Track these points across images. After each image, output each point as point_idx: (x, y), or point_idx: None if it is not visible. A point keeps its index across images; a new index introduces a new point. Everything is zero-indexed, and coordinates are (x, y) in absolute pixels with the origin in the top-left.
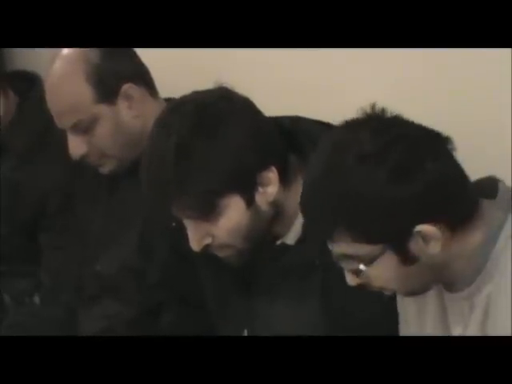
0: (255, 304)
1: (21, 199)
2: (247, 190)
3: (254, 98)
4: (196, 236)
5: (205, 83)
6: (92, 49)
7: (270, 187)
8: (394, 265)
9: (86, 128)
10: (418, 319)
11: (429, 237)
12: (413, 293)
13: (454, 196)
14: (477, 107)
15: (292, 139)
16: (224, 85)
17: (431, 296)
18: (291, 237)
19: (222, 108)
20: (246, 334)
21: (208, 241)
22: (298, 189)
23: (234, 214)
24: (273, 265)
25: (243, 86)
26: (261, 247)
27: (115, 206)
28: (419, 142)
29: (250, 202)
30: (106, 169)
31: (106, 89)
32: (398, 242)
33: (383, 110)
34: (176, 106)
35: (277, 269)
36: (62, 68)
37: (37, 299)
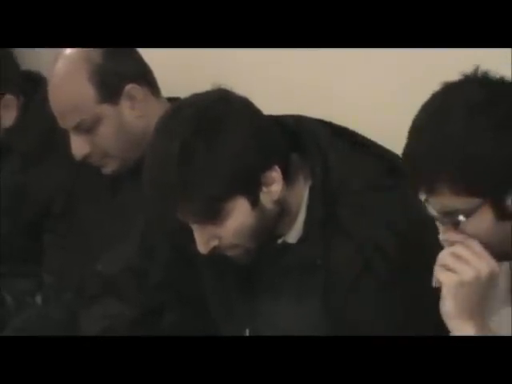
0: (257, 303)
1: (25, 200)
2: (252, 190)
3: (254, 98)
4: (203, 239)
5: (206, 83)
6: (95, 49)
7: (274, 186)
8: (490, 219)
9: (88, 128)
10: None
11: None
12: (502, 254)
13: None
14: None
15: (294, 138)
16: (223, 86)
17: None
18: (293, 236)
19: (222, 110)
20: (247, 333)
21: (215, 243)
22: (300, 187)
23: (239, 216)
24: (274, 264)
25: (243, 85)
26: (264, 246)
27: (118, 205)
28: None
29: (255, 202)
30: (108, 169)
31: (109, 89)
32: (496, 196)
33: (487, 72)
34: (176, 111)
35: (278, 268)
36: (64, 68)
37: (39, 299)
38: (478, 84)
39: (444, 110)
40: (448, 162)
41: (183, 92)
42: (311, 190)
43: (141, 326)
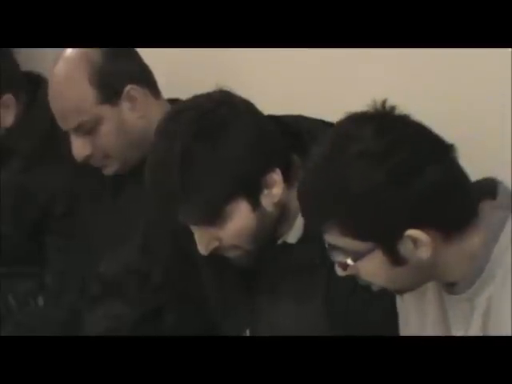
0: (257, 304)
1: (27, 201)
2: (253, 193)
3: (254, 98)
4: (204, 241)
5: (206, 83)
6: (95, 50)
7: (274, 188)
8: (382, 264)
9: (89, 129)
10: (418, 321)
11: (419, 242)
12: (401, 291)
13: (451, 203)
14: (476, 107)
15: (294, 139)
16: (224, 88)
17: (431, 298)
18: (293, 236)
19: (223, 114)
20: (247, 333)
21: (215, 244)
22: None
23: (240, 218)
24: (274, 264)
25: (244, 85)
26: (264, 246)
27: (119, 206)
28: (422, 147)
29: (255, 204)
30: (109, 170)
31: (109, 90)
32: (387, 242)
33: (393, 108)
34: (177, 114)
35: (278, 268)
36: (64, 69)
37: (41, 300)
38: (374, 128)
39: (336, 152)
40: (336, 205)
41: (185, 92)
42: None
43: (142, 327)
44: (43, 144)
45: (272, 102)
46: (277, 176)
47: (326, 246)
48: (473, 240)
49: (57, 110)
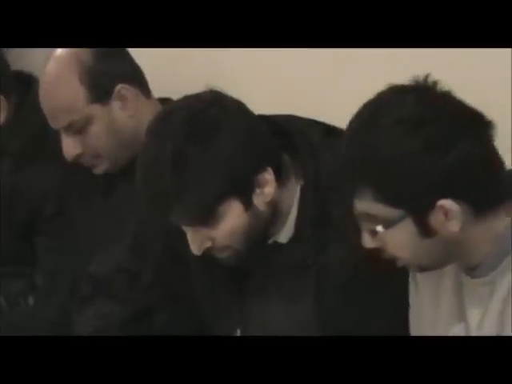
0: (248, 303)
1: (17, 201)
2: (245, 193)
3: (248, 98)
4: (196, 241)
5: (198, 83)
6: (85, 49)
7: (266, 188)
8: (411, 234)
9: (79, 128)
10: (432, 312)
11: (450, 213)
12: (425, 267)
13: (484, 179)
14: (476, 107)
15: (286, 138)
16: (215, 88)
17: (447, 286)
18: (284, 236)
19: (214, 114)
20: (238, 333)
21: (208, 244)
22: (291, 188)
23: (233, 218)
24: (265, 264)
25: (237, 85)
26: (255, 246)
27: (109, 206)
28: (460, 120)
29: (248, 204)
30: (99, 169)
31: (100, 89)
32: (418, 211)
33: (435, 83)
34: (168, 115)
35: (269, 268)
36: (55, 69)
37: (31, 300)
38: (415, 98)
39: (376, 117)
40: (372, 170)
41: (177, 92)
42: (303, 189)
43: (132, 326)
44: (34, 144)
45: (267, 101)
46: (269, 175)
47: (357, 214)
48: (501, 221)
49: (47, 109)
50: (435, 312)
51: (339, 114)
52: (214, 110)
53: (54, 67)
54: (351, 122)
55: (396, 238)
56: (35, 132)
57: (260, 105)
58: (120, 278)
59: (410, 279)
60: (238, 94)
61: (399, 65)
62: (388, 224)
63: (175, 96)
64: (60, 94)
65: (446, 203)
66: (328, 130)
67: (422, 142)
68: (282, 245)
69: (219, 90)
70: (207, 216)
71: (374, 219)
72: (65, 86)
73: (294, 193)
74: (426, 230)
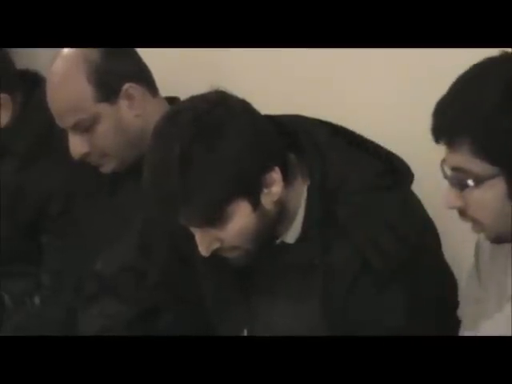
0: (255, 303)
1: (23, 200)
2: (253, 193)
3: (253, 98)
4: (205, 242)
5: (204, 82)
6: (93, 48)
7: (274, 187)
8: (499, 194)
9: (86, 127)
10: (496, 295)
11: None
12: (502, 237)
13: None
14: None
15: (292, 138)
16: (221, 88)
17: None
18: (291, 236)
19: (221, 114)
20: (245, 333)
21: (216, 245)
22: (298, 188)
23: (241, 219)
24: (272, 264)
25: (242, 85)
26: (263, 246)
27: (116, 205)
28: None
29: (256, 204)
30: (106, 168)
31: (107, 88)
32: None
33: None
34: (174, 116)
35: (276, 268)
36: (62, 67)
37: (37, 300)
38: None
39: (487, 74)
40: (475, 119)
41: (183, 91)
42: (309, 189)
43: (138, 326)
44: (39, 143)
45: (271, 101)
46: (276, 175)
47: (448, 167)
48: None
49: (55, 108)
50: (500, 293)
51: (339, 114)
52: (220, 111)
53: (62, 66)
54: (459, 77)
55: (483, 197)
56: (41, 131)
57: (266, 104)
58: (126, 278)
59: (473, 271)
60: (239, 94)
61: (399, 65)
62: (479, 180)
63: (182, 95)
64: (67, 92)
65: None
66: (334, 130)
67: None
68: (289, 245)
69: (224, 90)
70: (215, 217)
71: (466, 174)
72: (72, 84)
73: (300, 193)
74: None
